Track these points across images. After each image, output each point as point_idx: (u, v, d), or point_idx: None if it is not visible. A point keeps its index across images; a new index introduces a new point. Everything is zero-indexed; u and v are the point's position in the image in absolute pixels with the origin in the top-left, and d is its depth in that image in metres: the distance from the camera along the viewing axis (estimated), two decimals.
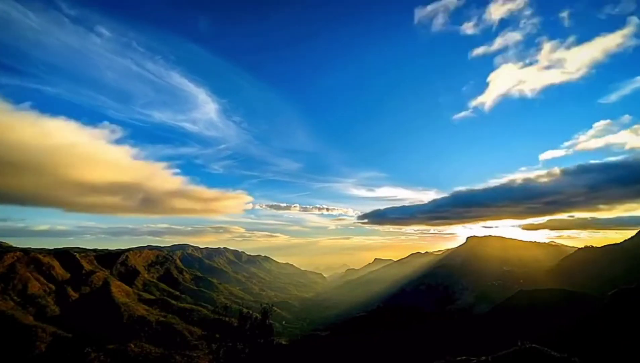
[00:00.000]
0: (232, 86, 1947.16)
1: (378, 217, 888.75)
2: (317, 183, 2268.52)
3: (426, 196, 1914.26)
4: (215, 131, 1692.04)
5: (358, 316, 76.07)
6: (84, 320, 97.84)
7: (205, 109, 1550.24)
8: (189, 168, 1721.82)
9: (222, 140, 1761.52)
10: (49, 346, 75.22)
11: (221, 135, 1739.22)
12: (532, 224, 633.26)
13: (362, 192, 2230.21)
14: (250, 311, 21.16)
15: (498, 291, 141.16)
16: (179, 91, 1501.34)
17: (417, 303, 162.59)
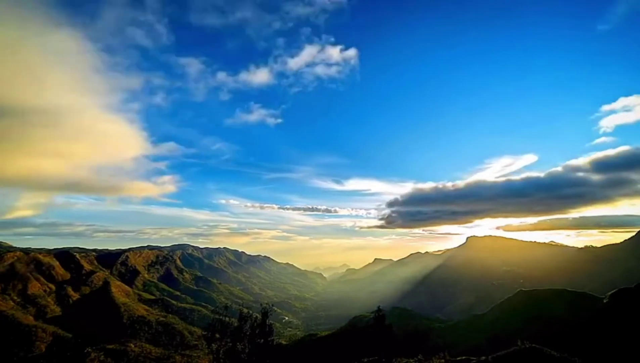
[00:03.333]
0: None
1: (392, 222, 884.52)
2: (271, 172, 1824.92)
3: (403, 189, 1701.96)
4: None
5: (358, 316, 76.24)
6: (84, 320, 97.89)
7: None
8: None
9: None
10: (49, 346, 75.31)
11: None
12: (532, 224, 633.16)
13: (329, 184, 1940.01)
14: (250, 311, 21.19)
15: (498, 291, 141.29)
16: None
17: (417, 303, 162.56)
